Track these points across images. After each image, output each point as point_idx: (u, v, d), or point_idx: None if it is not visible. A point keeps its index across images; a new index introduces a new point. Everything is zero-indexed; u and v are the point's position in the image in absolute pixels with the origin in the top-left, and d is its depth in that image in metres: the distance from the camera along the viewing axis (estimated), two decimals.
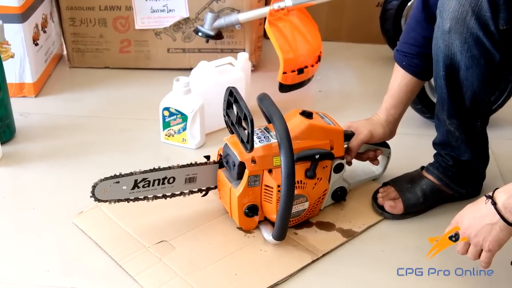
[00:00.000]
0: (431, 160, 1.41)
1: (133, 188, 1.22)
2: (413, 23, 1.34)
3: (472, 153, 1.34)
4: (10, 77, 1.69)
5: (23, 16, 1.70)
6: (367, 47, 2.14)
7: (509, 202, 1.03)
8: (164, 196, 1.28)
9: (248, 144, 1.18)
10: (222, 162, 1.30)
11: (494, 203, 1.04)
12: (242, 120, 1.21)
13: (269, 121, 1.28)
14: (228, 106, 1.27)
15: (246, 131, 1.19)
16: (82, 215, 1.33)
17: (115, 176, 1.21)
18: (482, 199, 1.07)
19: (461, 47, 1.18)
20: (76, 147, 1.59)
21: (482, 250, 1.09)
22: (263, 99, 1.23)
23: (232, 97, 1.24)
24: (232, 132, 1.29)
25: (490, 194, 1.06)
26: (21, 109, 1.72)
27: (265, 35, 1.99)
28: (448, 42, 1.19)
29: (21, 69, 1.76)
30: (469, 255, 1.11)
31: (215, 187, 1.32)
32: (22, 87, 1.79)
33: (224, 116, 1.30)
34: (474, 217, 1.08)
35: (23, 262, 1.23)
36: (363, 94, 1.90)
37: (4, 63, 1.56)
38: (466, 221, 1.09)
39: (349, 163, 1.40)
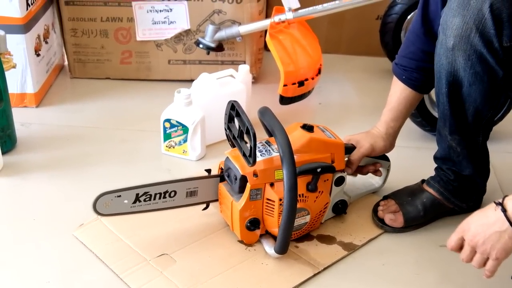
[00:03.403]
0: (431, 173, 1.42)
1: (134, 202, 1.23)
2: (413, 37, 1.35)
3: (473, 168, 1.34)
4: (12, 87, 1.70)
5: (25, 27, 1.70)
6: (367, 60, 2.15)
7: None
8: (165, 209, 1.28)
9: (250, 158, 1.18)
10: (223, 175, 1.30)
11: (504, 210, 1.02)
12: (244, 134, 1.21)
13: (270, 135, 1.28)
14: (230, 119, 1.27)
15: (248, 145, 1.20)
16: (83, 227, 1.33)
17: (116, 190, 1.21)
18: (491, 206, 1.04)
19: (465, 64, 1.18)
20: (76, 158, 1.60)
21: (487, 258, 1.06)
22: (265, 112, 1.24)
23: (233, 110, 1.24)
24: (233, 146, 1.29)
25: (500, 200, 1.03)
26: (22, 119, 1.72)
27: (265, 47, 2.00)
28: (452, 59, 1.20)
29: (22, 79, 1.76)
30: (474, 263, 1.08)
31: (216, 200, 1.33)
32: (23, 97, 1.79)
33: (225, 129, 1.30)
34: (482, 224, 1.05)
35: (23, 273, 1.23)
36: (363, 106, 1.90)
37: (6, 73, 1.56)
38: (473, 228, 1.06)
39: (355, 174, 1.42)
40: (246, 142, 1.22)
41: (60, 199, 1.44)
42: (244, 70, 1.68)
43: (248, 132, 1.18)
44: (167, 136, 1.59)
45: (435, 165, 1.41)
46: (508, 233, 1.02)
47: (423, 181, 1.42)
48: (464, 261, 1.10)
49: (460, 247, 1.11)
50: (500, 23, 1.12)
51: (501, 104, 1.65)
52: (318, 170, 1.25)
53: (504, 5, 1.12)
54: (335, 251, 1.30)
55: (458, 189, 1.37)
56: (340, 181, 1.33)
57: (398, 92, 1.38)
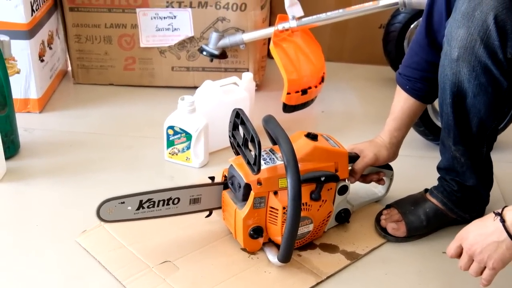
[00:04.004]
0: (434, 182, 1.42)
1: (138, 209, 1.23)
2: (416, 48, 1.35)
3: (477, 179, 1.34)
4: (16, 93, 1.69)
5: (30, 32, 1.71)
6: (370, 68, 2.15)
7: None
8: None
9: (255, 166, 1.18)
10: (226, 183, 1.30)
11: (503, 221, 1.03)
12: (249, 142, 1.21)
13: (274, 143, 1.29)
14: (234, 127, 1.27)
15: (252, 153, 1.20)
16: (86, 234, 1.33)
17: (120, 197, 1.21)
18: (490, 216, 1.05)
19: (469, 75, 1.19)
20: (80, 164, 1.60)
21: (485, 267, 1.07)
22: (269, 121, 1.24)
23: (238, 118, 1.24)
24: (237, 154, 1.30)
25: (499, 211, 1.04)
26: (25, 124, 1.72)
27: (268, 55, 2.01)
28: (456, 70, 1.20)
29: (26, 85, 1.76)
30: (471, 271, 1.09)
31: (219, 208, 1.33)
32: (26, 103, 1.79)
33: (230, 137, 1.30)
34: (480, 234, 1.06)
35: (26, 280, 1.23)
36: (366, 115, 1.90)
37: (10, 79, 1.56)
38: (471, 237, 1.07)
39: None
40: (250, 150, 1.23)
41: (63, 205, 1.44)
42: (248, 77, 1.68)
43: (253, 140, 1.18)
44: (170, 143, 1.59)
45: (438, 175, 1.41)
46: (506, 243, 1.03)
47: (426, 190, 1.42)
48: (461, 269, 1.11)
49: (459, 255, 1.11)
50: (504, 34, 1.13)
51: (505, 113, 1.66)
52: (322, 179, 1.26)
53: (509, 16, 1.12)
54: (338, 260, 1.30)
55: (461, 199, 1.37)
56: (343, 190, 1.33)
57: (402, 101, 1.38)
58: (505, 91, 1.20)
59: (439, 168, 1.39)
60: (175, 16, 1.86)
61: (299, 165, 1.16)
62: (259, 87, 1.98)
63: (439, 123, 1.60)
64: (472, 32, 1.14)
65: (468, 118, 1.25)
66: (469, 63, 1.17)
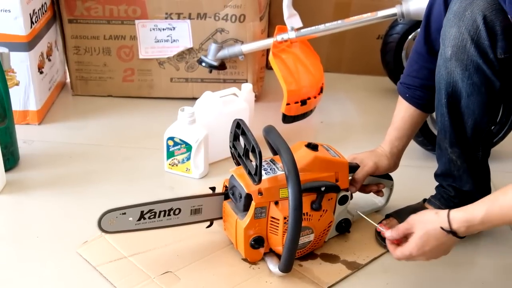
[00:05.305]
0: (433, 192, 1.42)
1: (139, 220, 1.23)
2: (416, 56, 1.37)
3: (473, 184, 1.35)
4: (15, 105, 1.68)
5: (29, 44, 1.71)
6: (368, 79, 2.16)
7: (469, 231, 1.09)
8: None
9: (256, 176, 1.19)
10: (227, 193, 1.30)
11: (456, 234, 1.09)
12: (250, 152, 1.22)
13: (274, 153, 1.29)
14: (235, 138, 1.28)
15: (253, 163, 1.20)
16: (87, 244, 1.33)
17: (121, 208, 1.21)
18: (436, 229, 1.10)
19: (462, 74, 1.20)
20: (79, 175, 1.60)
21: None
22: (270, 131, 1.25)
23: (239, 129, 1.25)
24: (238, 164, 1.30)
25: (448, 228, 1.09)
26: (24, 136, 1.72)
27: (267, 66, 2.02)
28: (450, 69, 1.22)
29: (25, 97, 1.77)
30: (405, 259, 1.16)
31: (220, 218, 1.33)
32: (26, 115, 1.79)
33: (230, 148, 1.31)
34: (438, 245, 1.11)
35: None
36: (364, 125, 1.91)
37: (9, 91, 1.56)
38: (428, 250, 1.12)
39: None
40: (251, 161, 1.23)
41: (63, 217, 1.44)
42: (247, 88, 1.69)
43: (253, 151, 1.18)
44: (170, 154, 1.59)
45: (436, 184, 1.41)
46: (454, 243, 1.12)
47: (424, 200, 1.43)
48: (396, 259, 1.17)
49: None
50: (493, 35, 1.15)
51: (503, 123, 1.67)
52: (322, 189, 1.26)
53: (498, 17, 1.14)
54: (339, 270, 1.30)
55: (458, 206, 1.35)
56: (344, 200, 1.34)
57: (403, 111, 1.39)
58: (498, 91, 1.21)
59: (436, 175, 1.40)
60: (174, 28, 1.87)
61: (299, 175, 1.17)
62: (258, 98, 1.98)
63: None
64: (463, 31, 1.16)
65: (463, 120, 1.26)
66: (462, 62, 1.19)
